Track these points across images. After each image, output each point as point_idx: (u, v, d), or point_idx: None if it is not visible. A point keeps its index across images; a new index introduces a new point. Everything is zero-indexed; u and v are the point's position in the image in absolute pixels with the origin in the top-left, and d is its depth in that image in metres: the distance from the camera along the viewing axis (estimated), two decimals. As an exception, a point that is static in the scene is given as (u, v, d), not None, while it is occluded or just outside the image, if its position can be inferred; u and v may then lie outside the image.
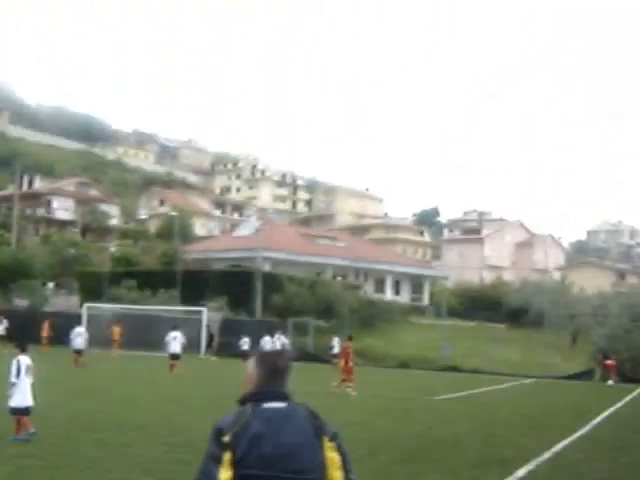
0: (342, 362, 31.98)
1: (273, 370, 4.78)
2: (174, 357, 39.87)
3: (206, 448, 4.51)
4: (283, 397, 4.71)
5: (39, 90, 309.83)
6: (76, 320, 47.00)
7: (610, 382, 46.46)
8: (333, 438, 4.70)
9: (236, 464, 4.43)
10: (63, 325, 42.74)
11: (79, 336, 40.18)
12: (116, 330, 51.00)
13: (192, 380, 34.02)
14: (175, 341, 40.66)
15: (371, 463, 14.18)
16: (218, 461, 4.43)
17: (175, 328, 41.62)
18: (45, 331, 48.70)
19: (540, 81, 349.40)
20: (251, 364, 4.82)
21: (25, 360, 15.90)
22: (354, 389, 30.45)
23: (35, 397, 15.53)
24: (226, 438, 4.46)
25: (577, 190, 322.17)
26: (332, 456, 4.65)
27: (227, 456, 4.41)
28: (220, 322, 56.17)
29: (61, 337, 41.81)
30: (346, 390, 30.49)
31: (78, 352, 39.48)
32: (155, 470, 12.35)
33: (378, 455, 15.20)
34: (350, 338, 33.56)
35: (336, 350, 49.22)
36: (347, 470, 4.70)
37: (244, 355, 41.79)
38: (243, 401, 4.71)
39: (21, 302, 69.53)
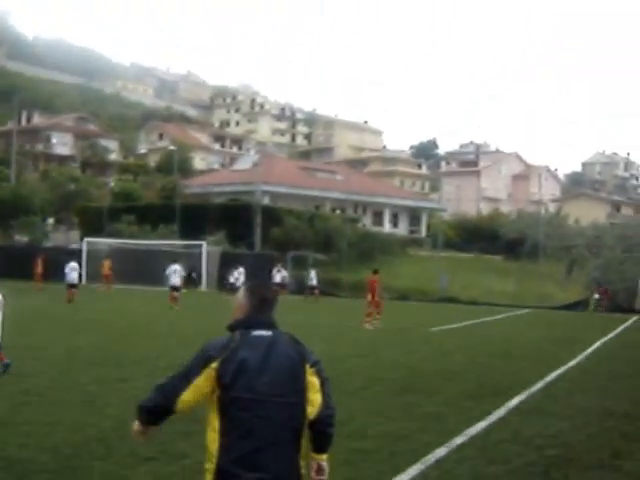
0: (369, 296, 31.26)
1: (262, 300, 5.01)
2: (174, 289, 40.21)
3: (190, 361, 4.79)
4: (270, 325, 4.93)
5: (36, 23, 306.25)
6: (71, 255, 47.20)
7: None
8: (314, 364, 4.93)
9: (224, 388, 4.66)
10: (60, 260, 42.59)
11: (73, 271, 40.27)
12: (106, 264, 50.97)
13: (191, 314, 34.13)
14: (175, 274, 40.95)
15: (368, 394, 14.40)
16: (190, 380, 4.72)
17: (175, 261, 41.82)
18: (38, 267, 48.62)
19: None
20: (241, 294, 5.07)
21: None
22: (379, 322, 30.25)
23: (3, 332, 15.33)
24: (214, 364, 4.68)
25: (573, 122, 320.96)
26: (312, 380, 4.88)
27: (212, 370, 4.67)
28: (219, 256, 56.19)
29: (57, 272, 41.71)
30: (373, 322, 30.39)
31: (72, 286, 39.70)
32: (153, 404, 12.49)
33: (375, 386, 15.36)
34: (376, 272, 32.61)
35: (314, 282, 49.32)
36: (326, 394, 4.94)
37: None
38: (232, 328, 4.92)
39: (21, 238, 69.51)
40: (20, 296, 40.25)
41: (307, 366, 4.88)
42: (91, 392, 13.48)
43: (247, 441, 4.57)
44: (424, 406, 13.37)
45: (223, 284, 49.87)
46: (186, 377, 4.74)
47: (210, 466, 4.63)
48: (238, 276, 46.29)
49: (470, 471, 9.19)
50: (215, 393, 4.69)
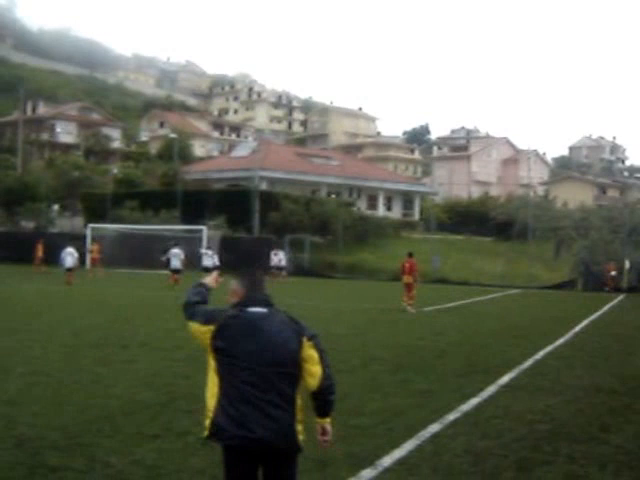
0: (409, 278, 30.61)
1: (252, 281, 5.39)
2: (175, 272, 40.57)
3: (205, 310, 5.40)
4: (265, 303, 5.27)
5: (41, 16, 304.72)
6: (74, 240, 47.62)
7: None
8: (311, 338, 5.21)
9: (219, 353, 5.10)
10: (61, 245, 42.57)
11: (69, 255, 40.51)
12: (95, 248, 50.92)
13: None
14: (176, 257, 41.33)
15: (363, 373, 14.44)
16: (197, 320, 5.40)
17: (176, 245, 42.12)
18: (39, 252, 48.51)
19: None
20: (234, 282, 5.43)
21: None
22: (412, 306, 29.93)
23: None
24: (212, 326, 5.18)
25: (560, 107, 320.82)
26: (311, 353, 5.16)
27: (210, 328, 5.21)
28: (219, 239, 56.17)
29: (57, 257, 41.79)
30: (405, 305, 30.02)
31: (69, 270, 39.96)
32: (158, 384, 12.51)
33: (370, 365, 15.41)
34: (411, 255, 32.06)
35: (283, 263, 49.22)
36: (325, 365, 5.22)
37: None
38: (234, 306, 5.32)
39: (27, 224, 69.49)
40: (25, 280, 40.51)
41: (304, 340, 5.16)
42: (98, 373, 13.50)
43: (238, 403, 4.97)
44: (418, 383, 13.42)
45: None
46: (195, 315, 5.43)
47: (207, 421, 5.07)
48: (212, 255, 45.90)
49: (464, 445, 9.24)
50: (211, 355, 5.14)
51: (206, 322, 5.22)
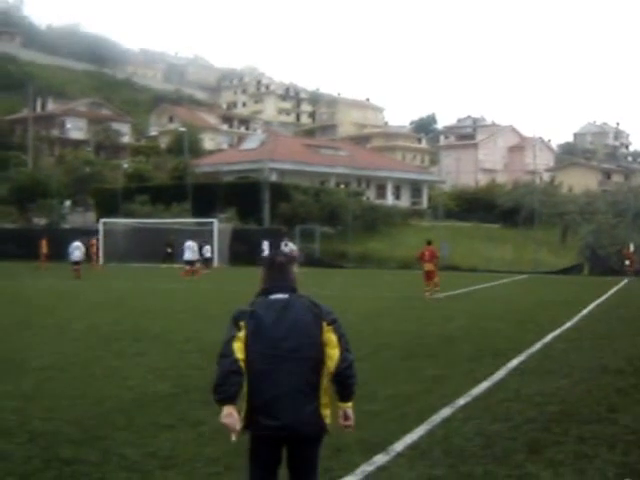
0: (430, 266, 30.41)
1: (273, 268, 5.40)
2: (189, 263, 41.01)
3: (227, 328, 5.19)
4: (287, 289, 5.31)
5: (48, 12, 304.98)
6: (85, 235, 48.79)
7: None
8: (332, 322, 5.25)
9: (246, 344, 5.10)
10: (71, 241, 42.61)
11: (76, 249, 40.71)
12: (92, 243, 51.07)
13: (204, 289, 34.20)
14: (189, 249, 41.68)
15: (375, 360, 14.41)
16: (234, 338, 5.09)
17: (190, 238, 42.49)
18: (43, 248, 48.44)
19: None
20: (262, 268, 5.48)
21: None
22: (431, 293, 29.98)
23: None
24: (241, 323, 5.13)
25: (564, 94, 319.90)
26: (330, 337, 5.20)
27: (241, 334, 5.09)
28: (231, 232, 56.22)
29: (65, 252, 41.88)
30: (434, 291, 30.09)
31: (76, 264, 40.15)
32: (170, 376, 12.49)
33: (381, 352, 15.43)
34: (429, 242, 31.63)
35: (294, 254, 49.07)
36: (344, 348, 5.23)
37: (189, 263, 42.50)
38: (258, 295, 5.35)
39: (39, 221, 69.52)
40: (37, 276, 40.61)
41: (324, 324, 5.20)
42: (111, 366, 13.47)
43: (265, 392, 5.03)
44: (429, 369, 13.41)
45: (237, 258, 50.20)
46: (230, 337, 5.12)
47: (240, 412, 5.09)
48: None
49: (475, 429, 9.24)
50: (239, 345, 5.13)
51: (239, 330, 5.14)
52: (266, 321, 5.10)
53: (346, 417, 5.33)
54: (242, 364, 5.06)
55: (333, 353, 5.16)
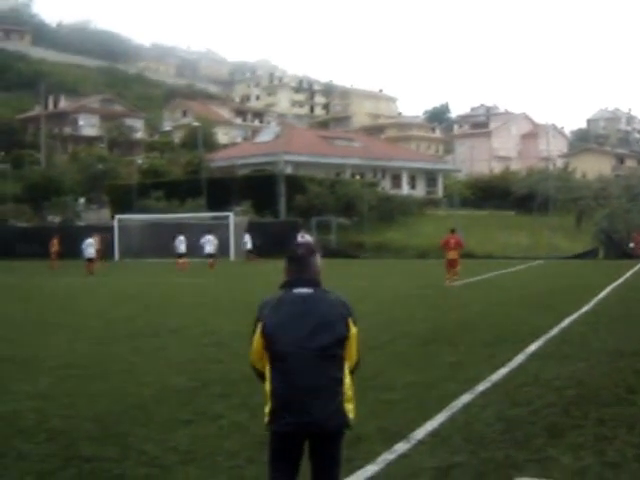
0: (454, 254, 30.33)
1: (293, 261, 5.27)
2: (210, 256, 41.62)
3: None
4: (310, 283, 5.18)
5: (58, 9, 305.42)
6: (100, 231, 49.52)
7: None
8: (355, 321, 5.19)
9: (268, 341, 5.04)
10: (83, 238, 42.62)
11: (90, 246, 41.03)
12: (97, 240, 50.74)
13: (222, 283, 34.20)
14: (209, 243, 42.19)
15: (393, 347, 14.44)
16: (254, 331, 5.10)
17: (209, 232, 43.00)
18: (54, 247, 48.20)
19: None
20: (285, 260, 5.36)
21: None
22: (451, 280, 29.86)
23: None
24: (261, 320, 5.08)
25: (577, 80, 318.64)
26: (353, 334, 5.15)
27: (259, 326, 5.05)
28: (247, 225, 56.21)
29: (78, 250, 41.96)
30: (447, 281, 29.93)
31: (90, 260, 40.52)
32: (190, 370, 12.44)
33: (399, 340, 15.40)
34: (453, 231, 31.89)
35: (249, 246, 49.31)
36: (358, 348, 5.27)
37: (180, 255, 42.95)
38: (280, 288, 5.24)
39: (54, 219, 69.47)
40: (52, 274, 40.69)
41: (350, 320, 5.12)
42: (129, 362, 13.38)
43: (291, 389, 4.94)
44: (448, 356, 13.39)
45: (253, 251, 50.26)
46: (252, 332, 5.15)
47: (267, 408, 5.06)
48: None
49: (495, 414, 9.21)
50: (264, 345, 5.06)
51: (257, 321, 5.13)
52: (289, 317, 5.01)
53: None
54: (253, 361, 5.23)
55: (352, 353, 5.16)
